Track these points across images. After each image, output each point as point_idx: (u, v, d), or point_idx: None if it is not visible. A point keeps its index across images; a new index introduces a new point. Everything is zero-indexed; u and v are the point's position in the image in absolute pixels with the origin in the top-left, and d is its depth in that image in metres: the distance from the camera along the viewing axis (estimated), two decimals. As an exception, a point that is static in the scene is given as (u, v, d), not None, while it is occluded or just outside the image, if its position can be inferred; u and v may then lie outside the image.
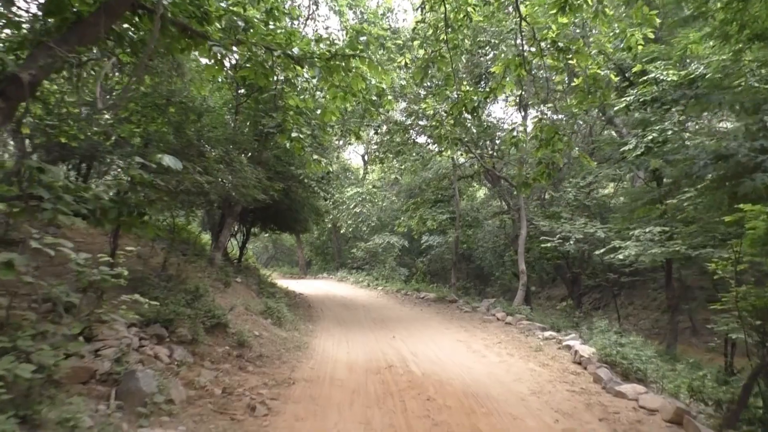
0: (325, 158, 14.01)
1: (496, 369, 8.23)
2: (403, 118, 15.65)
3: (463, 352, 9.64)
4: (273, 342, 9.33)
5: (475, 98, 8.33)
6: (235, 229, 19.92)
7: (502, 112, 21.50)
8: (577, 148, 13.76)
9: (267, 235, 35.48)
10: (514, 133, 8.54)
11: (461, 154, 18.43)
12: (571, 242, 11.89)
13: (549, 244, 12.66)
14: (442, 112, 9.22)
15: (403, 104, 15.39)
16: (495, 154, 18.49)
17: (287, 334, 10.32)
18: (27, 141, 13.15)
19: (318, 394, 6.70)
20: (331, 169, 13.38)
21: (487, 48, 12.65)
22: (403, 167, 23.34)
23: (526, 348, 9.68)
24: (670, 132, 9.51)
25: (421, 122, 15.46)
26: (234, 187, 9.22)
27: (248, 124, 12.91)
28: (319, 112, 8.65)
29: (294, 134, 8.27)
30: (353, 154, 46.06)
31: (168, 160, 5.18)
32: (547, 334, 10.51)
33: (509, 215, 19.46)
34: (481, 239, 25.14)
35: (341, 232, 32.79)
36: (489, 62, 12.77)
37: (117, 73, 11.52)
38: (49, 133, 11.15)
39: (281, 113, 8.84)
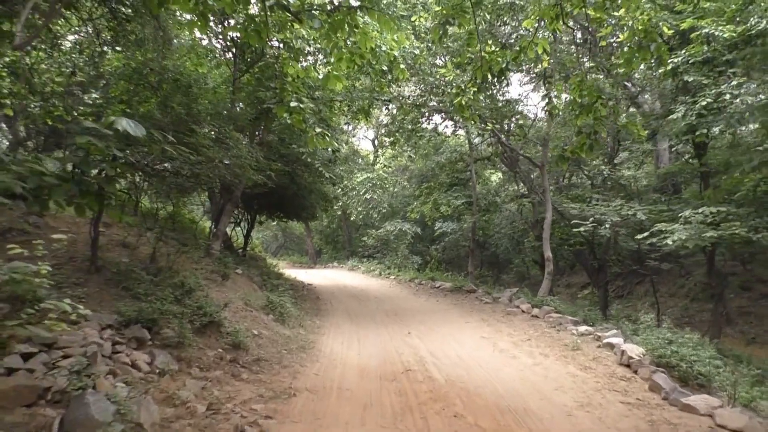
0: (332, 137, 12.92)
1: (530, 373, 7.09)
2: (416, 94, 14.37)
3: (488, 351, 8.51)
4: (274, 342, 8.25)
5: (501, 59, 7.14)
6: (238, 216, 18.90)
7: (519, 89, 20.02)
8: (624, 115, 12.48)
9: (275, 223, 34.57)
10: (550, 97, 7.25)
11: (479, 133, 17.18)
12: (606, 226, 10.66)
13: (582, 229, 11.44)
14: (463, 79, 8.03)
15: (416, 80, 14.15)
16: (515, 132, 17.17)
17: (291, 332, 9.25)
18: (21, 128, 12.18)
19: (323, 409, 5.60)
20: (337, 147, 12.17)
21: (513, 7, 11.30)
22: (414, 151, 22.14)
23: (560, 346, 8.51)
24: (728, 96, 8.24)
25: (435, 98, 14.20)
26: (227, 168, 8.09)
27: (247, 101, 11.80)
28: (322, 77, 7.46)
29: (293, 104, 7.13)
30: (363, 140, 44.94)
31: (125, 125, 4.06)
32: (582, 329, 9.32)
33: (529, 199, 18.23)
34: (498, 225, 23.94)
35: (351, 219, 31.71)
36: (517, 22, 11.47)
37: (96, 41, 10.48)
38: (35, 115, 10.15)
39: (279, 81, 7.69)
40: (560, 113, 7.15)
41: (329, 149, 11.65)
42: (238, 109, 10.55)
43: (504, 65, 7.12)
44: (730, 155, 10.46)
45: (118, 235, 10.18)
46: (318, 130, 7.26)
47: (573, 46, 13.12)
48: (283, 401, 5.77)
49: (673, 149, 21.18)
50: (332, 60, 6.92)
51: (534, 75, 14.44)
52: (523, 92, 19.75)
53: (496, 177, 31.52)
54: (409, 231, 27.45)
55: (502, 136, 15.81)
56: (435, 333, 10.11)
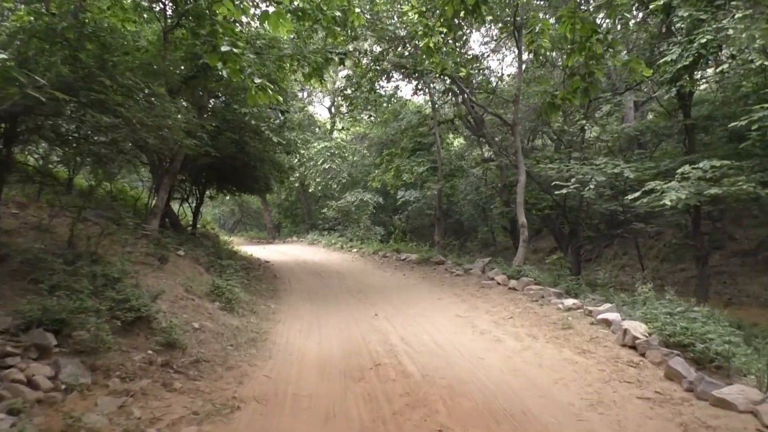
0: (284, 104, 11.44)
1: (520, 361, 6.07)
2: (376, 51, 12.97)
3: (468, 334, 7.47)
4: (218, 336, 7.01)
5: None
6: (186, 191, 17.36)
7: (481, 45, 18.79)
8: (624, 52, 11.41)
9: (228, 197, 32.90)
10: (536, 31, 6.07)
11: (443, 92, 15.93)
12: (591, 186, 9.69)
13: (564, 191, 10.44)
14: (431, 18, 6.79)
15: (374, 33, 12.72)
16: (481, 88, 15.98)
17: (240, 321, 8.01)
18: None
19: (273, 427, 4.44)
20: (283, 103, 10.71)
21: None
22: (374, 117, 20.80)
23: (548, 324, 7.54)
24: (731, 31, 7.23)
25: (396, 51, 12.84)
26: (151, 131, 6.68)
27: (183, 59, 10.28)
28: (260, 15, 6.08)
29: (225, 48, 5.77)
30: (319, 107, 43.20)
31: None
32: (569, 302, 8.37)
33: (496, 162, 17.23)
34: (463, 192, 23.00)
35: (310, 191, 30.28)
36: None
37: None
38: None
39: (209, 23, 6.29)
40: (546, 53, 6.05)
41: (279, 113, 10.22)
42: (168, 64, 9.00)
43: (479, -3, 5.90)
44: (720, 105, 9.58)
45: (34, 216, 8.71)
46: (257, 81, 5.94)
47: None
48: (224, 418, 4.58)
49: (642, 105, 20.52)
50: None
51: (501, 25, 13.18)
52: (486, 50, 18.45)
53: (458, 142, 30.52)
54: (370, 201, 26.28)
55: (467, 92, 14.56)
56: (405, 314, 9.04)
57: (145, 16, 10.45)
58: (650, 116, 20.99)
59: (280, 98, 5.90)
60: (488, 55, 15.80)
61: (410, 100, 27.07)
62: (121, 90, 6.36)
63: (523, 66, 13.69)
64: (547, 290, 9.53)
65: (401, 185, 22.66)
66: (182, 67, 9.93)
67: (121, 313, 6.14)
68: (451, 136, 27.28)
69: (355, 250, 21.63)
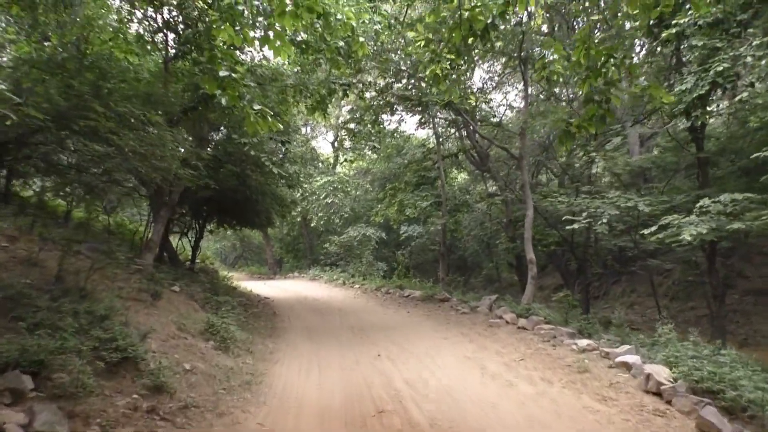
0: (285, 135, 11.17)
1: (536, 409, 5.59)
2: (380, 83, 12.76)
3: (477, 377, 7.00)
4: (210, 378, 6.55)
5: (486, 14, 5.69)
6: (186, 225, 17.04)
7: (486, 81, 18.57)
8: (643, 78, 11.14)
9: (229, 232, 32.58)
10: (549, 57, 5.80)
11: (447, 126, 15.68)
12: (604, 221, 9.29)
13: (575, 225, 10.04)
14: (438, 44, 6.52)
15: (378, 64, 12.57)
16: (487, 121, 15.74)
17: (234, 361, 7.55)
18: None
19: (265, 486, 3.99)
20: (284, 135, 10.40)
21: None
22: (377, 151, 20.56)
23: (563, 368, 7.06)
24: (749, 59, 6.96)
25: (401, 82, 12.64)
26: (142, 158, 6.37)
27: (185, 89, 10.09)
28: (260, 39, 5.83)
29: (223, 73, 5.50)
30: (323, 142, 43.31)
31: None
32: (583, 343, 7.90)
33: (501, 197, 16.91)
34: (467, 227, 22.64)
35: (312, 225, 29.93)
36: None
37: None
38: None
39: (207, 49, 6.04)
40: (559, 79, 5.76)
41: (280, 144, 9.92)
42: (166, 93, 8.76)
43: (489, 21, 5.65)
44: (729, 139, 9.28)
45: (24, 250, 8.34)
46: (257, 107, 5.66)
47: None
48: (211, 474, 4.13)
49: (647, 140, 20.29)
50: (274, 13, 5.34)
51: (506, 59, 12.98)
52: (490, 85, 18.25)
53: (461, 178, 30.29)
54: (373, 236, 25.90)
55: (473, 125, 14.24)
56: (409, 354, 8.57)
57: (148, 47, 10.29)
58: (655, 151, 20.77)
59: (281, 126, 5.58)
60: (492, 89, 15.58)
61: (413, 135, 27.01)
62: (114, 117, 6.07)
63: (529, 99, 13.48)
64: (560, 330, 9.06)
65: (404, 220, 22.32)
66: (183, 98, 9.70)
67: (107, 354, 5.74)
68: (455, 170, 27.11)
69: (357, 286, 21.16)
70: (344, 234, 26.94)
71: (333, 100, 16.57)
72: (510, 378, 6.81)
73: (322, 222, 28.35)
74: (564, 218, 9.97)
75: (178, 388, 5.91)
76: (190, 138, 9.54)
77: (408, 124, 63.68)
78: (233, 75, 5.48)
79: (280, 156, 13.12)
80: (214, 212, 16.42)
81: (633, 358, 6.61)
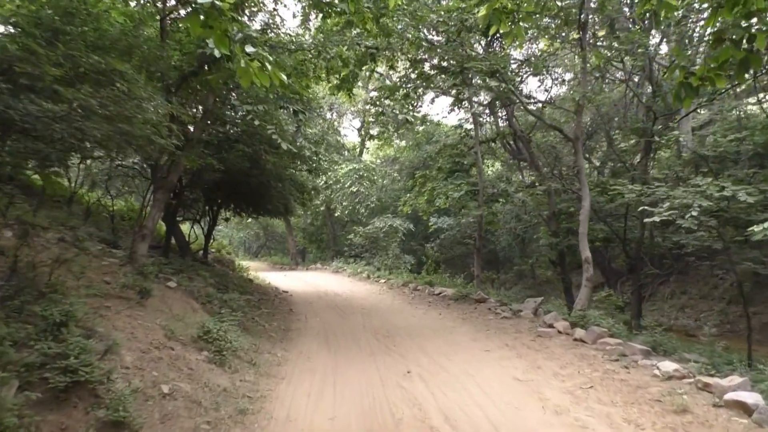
0: (300, 104, 9.60)
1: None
2: (410, 50, 11.04)
3: (536, 410, 5.41)
4: (194, 406, 5.11)
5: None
6: (199, 211, 15.74)
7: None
8: None
9: (249, 220, 31.44)
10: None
11: (488, 104, 13.91)
12: (694, 213, 7.57)
13: (655, 218, 8.31)
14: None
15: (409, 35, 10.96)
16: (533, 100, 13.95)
17: (230, 379, 6.09)
18: None
19: None
20: (286, 82, 8.83)
21: None
22: (405, 130, 18.89)
23: (648, 402, 5.41)
24: None
25: (437, 45, 10.92)
26: (104, 121, 4.89)
27: (182, 51, 8.66)
28: None
29: None
30: (349, 130, 41.94)
31: None
32: (669, 367, 6.20)
33: (543, 187, 15.17)
34: (502, 219, 20.97)
35: (336, 215, 28.52)
36: None
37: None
38: None
39: None
40: (674, 12, 4.13)
41: (293, 113, 8.25)
42: (156, 48, 7.30)
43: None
44: None
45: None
46: (250, 50, 4.16)
47: None
48: None
49: (701, 128, 18.33)
50: None
51: (561, 21, 11.11)
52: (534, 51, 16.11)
53: (494, 168, 28.53)
54: (400, 227, 24.37)
55: (520, 100, 12.35)
56: (445, 372, 7.02)
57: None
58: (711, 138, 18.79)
59: (284, 77, 4.03)
60: (544, 59, 13.63)
61: (443, 121, 25.41)
62: (67, 66, 4.62)
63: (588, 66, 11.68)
64: (630, 346, 7.38)
65: (434, 211, 20.71)
66: (182, 63, 8.29)
67: (52, 375, 4.35)
68: (487, 160, 25.37)
69: (382, 280, 19.66)
70: (369, 225, 25.49)
71: (360, 74, 15.05)
72: (581, 415, 5.21)
73: (346, 212, 26.93)
74: (640, 209, 8.24)
75: (146, 423, 4.49)
76: (196, 108, 8.07)
77: (438, 107, 61.40)
78: (218, 3, 3.97)
79: (293, 129, 11.58)
80: (229, 198, 15.09)
81: (753, 397, 4.93)
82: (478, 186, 14.87)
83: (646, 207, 8.29)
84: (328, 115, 29.58)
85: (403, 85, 12.08)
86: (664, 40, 12.58)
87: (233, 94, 9.65)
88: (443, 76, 9.77)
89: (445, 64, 10.19)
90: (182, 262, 11.75)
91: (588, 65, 11.39)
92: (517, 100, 12.44)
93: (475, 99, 14.71)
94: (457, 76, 9.37)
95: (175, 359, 5.97)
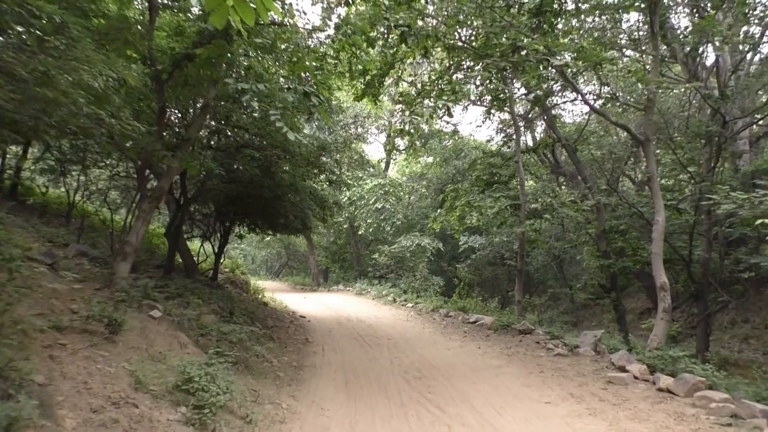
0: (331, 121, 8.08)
1: None
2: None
3: None
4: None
5: None
6: (209, 227, 14.32)
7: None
8: None
9: (267, 238, 30.14)
10: None
11: (535, 102, 12.15)
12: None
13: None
14: None
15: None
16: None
17: (210, 452, 4.50)
18: None
19: None
20: (291, 16, 6.95)
21: None
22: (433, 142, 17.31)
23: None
24: None
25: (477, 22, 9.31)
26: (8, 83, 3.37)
27: (175, 32, 7.22)
28: None
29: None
30: (374, 145, 40.63)
31: None
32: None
33: (593, 201, 13.38)
34: (545, 237, 19.19)
35: (360, 233, 26.95)
36: None
37: None
38: None
39: None
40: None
41: (303, 95, 6.60)
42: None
43: None
44: None
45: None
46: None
47: None
48: None
49: (759, 139, 16.45)
50: None
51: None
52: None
53: (528, 185, 26.77)
54: (429, 246, 22.69)
55: (582, 94, 10.52)
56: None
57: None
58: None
59: (277, 5, 2.41)
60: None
61: (472, 136, 23.94)
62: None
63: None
64: (745, 405, 5.57)
65: (465, 229, 18.98)
66: (172, 48, 6.85)
67: None
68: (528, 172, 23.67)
69: (409, 305, 17.92)
70: (395, 244, 23.86)
71: (386, 79, 13.64)
72: None
73: (370, 229, 25.35)
74: (759, 222, 6.51)
75: None
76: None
77: (467, 121, 59.76)
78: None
79: (304, 119, 10.00)
80: (241, 212, 13.63)
81: None
82: (520, 200, 13.14)
83: (765, 220, 6.47)
84: (352, 130, 28.16)
85: (442, 76, 10.47)
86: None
87: (231, 72, 8.11)
88: (486, 61, 8.15)
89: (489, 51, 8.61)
90: (183, 284, 10.24)
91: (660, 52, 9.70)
92: (574, 95, 10.71)
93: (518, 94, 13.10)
94: (507, 57, 7.71)
95: (137, 422, 4.39)
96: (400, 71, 14.18)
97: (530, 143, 20.44)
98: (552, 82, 10.59)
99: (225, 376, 5.75)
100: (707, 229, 12.52)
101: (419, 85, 12.95)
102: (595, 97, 11.63)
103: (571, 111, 42.42)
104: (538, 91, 10.62)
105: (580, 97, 11.37)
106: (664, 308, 8.66)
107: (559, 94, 10.84)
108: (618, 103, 11.39)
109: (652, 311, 21.71)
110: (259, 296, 16.27)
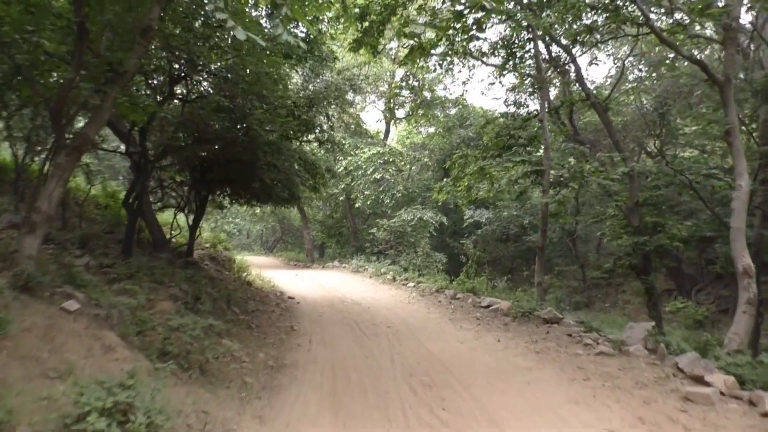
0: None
1: None
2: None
3: None
4: None
5: None
6: (183, 198, 12.51)
7: None
8: None
9: (258, 210, 28.34)
10: None
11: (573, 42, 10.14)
12: None
13: None
14: None
15: None
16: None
17: None
18: None
19: None
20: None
21: None
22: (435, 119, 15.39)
23: None
24: None
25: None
26: None
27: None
28: None
29: None
30: (372, 112, 38.52)
31: None
32: None
33: (625, 169, 11.53)
34: (570, 210, 17.46)
35: (357, 206, 25.08)
36: None
37: None
38: None
39: None
40: None
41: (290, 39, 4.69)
42: None
43: None
44: None
45: None
46: None
47: None
48: None
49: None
50: None
51: None
52: None
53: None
54: (431, 220, 20.88)
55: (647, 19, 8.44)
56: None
57: None
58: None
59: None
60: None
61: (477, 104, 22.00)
62: None
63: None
64: None
65: (472, 201, 17.13)
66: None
67: None
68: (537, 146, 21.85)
69: (411, 284, 16.14)
70: (395, 217, 22.04)
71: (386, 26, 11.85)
72: None
73: (368, 202, 23.46)
74: None
75: None
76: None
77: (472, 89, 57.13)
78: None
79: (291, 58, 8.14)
80: (219, 180, 11.77)
81: None
82: (544, 165, 11.24)
83: None
84: (350, 96, 26.04)
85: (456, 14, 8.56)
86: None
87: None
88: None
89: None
90: (141, 263, 8.42)
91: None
92: (641, 18, 8.56)
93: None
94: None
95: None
96: (403, 18, 12.22)
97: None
98: (594, 13, 8.59)
99: (156, 395, 3.93)
100: (763, 201, 10.73)
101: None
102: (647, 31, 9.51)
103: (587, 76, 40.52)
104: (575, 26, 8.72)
105: (636, 29, 9.29)
106: (748, 299, 6.81)
107: (603, 28, 8.86)
108: (689, 36, 9.36)
109: (672, 293, 20.08)
110: (244, 275, 14.48)
